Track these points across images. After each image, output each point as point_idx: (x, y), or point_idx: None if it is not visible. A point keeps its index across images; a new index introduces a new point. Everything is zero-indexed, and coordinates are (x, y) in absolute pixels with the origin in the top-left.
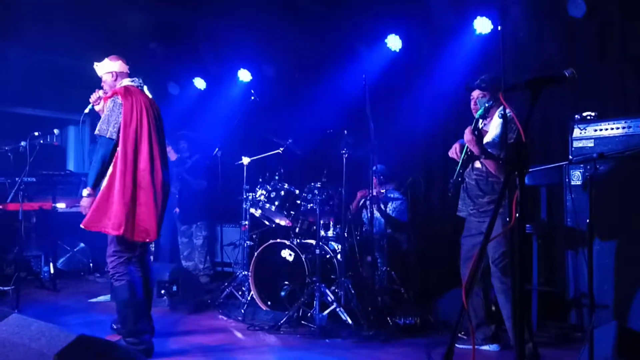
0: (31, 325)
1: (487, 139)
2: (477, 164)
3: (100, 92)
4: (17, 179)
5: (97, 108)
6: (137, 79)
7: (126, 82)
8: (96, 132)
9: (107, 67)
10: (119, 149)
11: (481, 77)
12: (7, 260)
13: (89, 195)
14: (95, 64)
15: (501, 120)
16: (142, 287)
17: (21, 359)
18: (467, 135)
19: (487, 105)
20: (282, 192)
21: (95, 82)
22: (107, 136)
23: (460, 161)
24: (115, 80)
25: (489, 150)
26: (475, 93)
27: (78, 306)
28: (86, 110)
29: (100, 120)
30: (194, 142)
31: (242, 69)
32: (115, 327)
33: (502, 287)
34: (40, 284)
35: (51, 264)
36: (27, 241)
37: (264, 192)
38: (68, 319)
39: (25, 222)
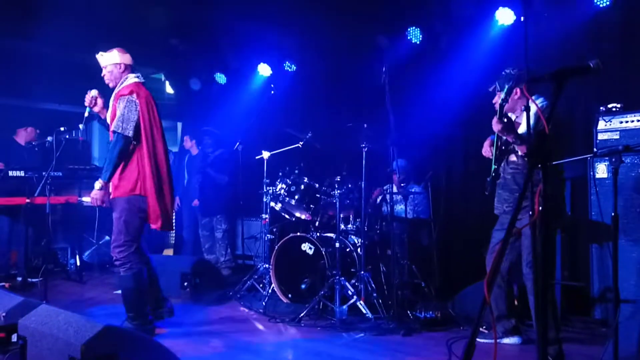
0: (59, 316)
1: (519, 131)
2: (513, 158)
3: (94, 92)
4: (44, 173)
5: (96, 109)
6: (139, 74)
7: (132, 76)
8: (113, 128)
9: (116, 59)
10: (142, 145)
11: (504, 72)
12: (35, 253)
13: (101, 188)
14: (101, 53)
15: (533, 111)
16: (146, 273)
17: (49, 348)
18: (496, 125)
19: (507, 86)
20: (302, 186)
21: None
22: (125, 134)
23: (493, 157)
24: (123, 72)
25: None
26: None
27: (104, 297)
28: (86, 114)
29: (117, 118)
30: (217, 138)
31: (262, 64)
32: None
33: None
34: (67, 275)
35: (77, 257)
36: (54, 234)
37: (284, 186)
38: (94, 310)
39: (52, 215)
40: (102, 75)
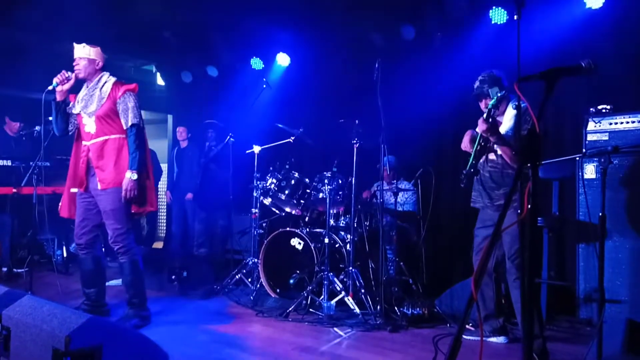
0: (43, 307)
1: (500, 131)
2: (492, 156)
3: (70, 74)
4: (31, 163)
5: (61, 88)
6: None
7: (107, 74)
8: (134, 122)
9: (95, 55)
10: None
11: (480, 78)
12: (21, 243)
13: (137, 180)
14: (83, 45)
15: (515, 111)
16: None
17: (33, 340)
18: (482, 125)
19: (499, 95)
20: (293, 181)
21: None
22: (141, 125)
23: (473, 152)
24: (97, 69)
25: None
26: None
27: None
28: (50, 88)
29: (134, 111)
30: (221, 132)
31: (254, 57)
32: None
33: (517, 284)
34: (53, 267)
35: (64, 248)
36: (41, 225)
37: (274, 180)
38: (79, 302)
39: (39, 205)
40: (74, 64)
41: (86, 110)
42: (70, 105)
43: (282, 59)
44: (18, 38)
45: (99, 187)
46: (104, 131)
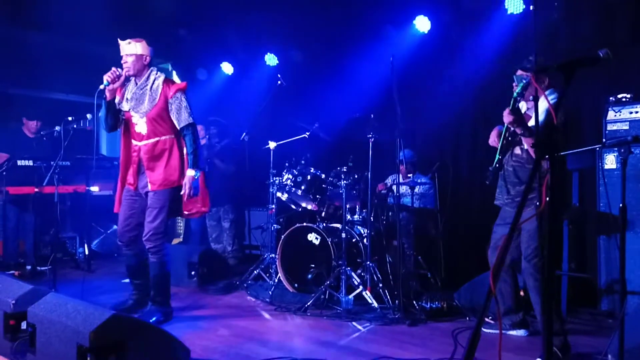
0: (67, 304)
1: (530, 123)
2: (517, 151)
3: (120, 71)
4: (52, 162)
5: (112, 87)
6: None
7: (155, 70)
8: (189, 121)
9: (142, 50)
10: (180, 137)
11: (529, 58)
12: (44, 242)
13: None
14: (128, 41)
15: (547, 105)
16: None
17: (58, 336)
18: (507, 117)
19: (524, 82)
20: (309, 177)
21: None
22: (195, 124)
23: (499, 147)
24: (146, 65)
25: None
26: (519, 72)
27: (112, 286)
28: (101, 87)
29: (186, 112)
30: (223, 128)
31: (269, 53)
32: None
33: (535, 284)
34: (75, 264)
35: (86, 246)
36: (63, 223)
37: (290, 176)
38: (102, 298)
39: (61, 204)
40: (122, 62)
41: (137, 109)
42: (117, 101)
43: (296, 55)
44: (34, 38)
45: (149, 187)
46: (156, 132)
